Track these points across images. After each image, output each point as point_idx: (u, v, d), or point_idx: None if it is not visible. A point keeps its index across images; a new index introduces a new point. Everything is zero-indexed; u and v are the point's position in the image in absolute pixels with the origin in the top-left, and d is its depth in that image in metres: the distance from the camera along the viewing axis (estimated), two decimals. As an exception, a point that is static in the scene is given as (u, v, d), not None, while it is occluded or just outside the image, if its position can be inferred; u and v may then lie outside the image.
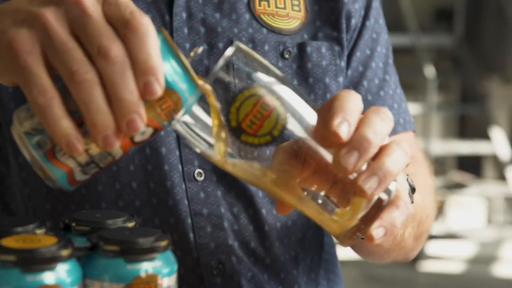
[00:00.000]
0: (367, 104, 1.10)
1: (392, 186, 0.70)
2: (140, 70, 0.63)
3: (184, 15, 1.02)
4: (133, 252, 0.67)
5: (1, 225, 0.72)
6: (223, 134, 0.68)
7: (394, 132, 1.11)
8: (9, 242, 0.65)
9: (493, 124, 5.58)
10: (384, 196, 0.69)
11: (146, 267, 0.67)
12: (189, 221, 1.01)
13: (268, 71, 0.69)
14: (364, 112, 0.72)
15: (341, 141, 0.66)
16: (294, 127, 0.68)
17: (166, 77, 0.65)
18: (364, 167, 0.69)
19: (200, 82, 0.68)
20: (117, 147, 0.65)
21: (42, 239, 0.66)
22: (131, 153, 0.70)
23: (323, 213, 0.71)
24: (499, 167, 5.56)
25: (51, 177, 0.67)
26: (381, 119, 0.68)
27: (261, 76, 0.69)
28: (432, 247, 4.84)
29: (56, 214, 1.01)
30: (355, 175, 0.68)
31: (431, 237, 4.70)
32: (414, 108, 5.11)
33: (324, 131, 0.68)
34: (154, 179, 1.00)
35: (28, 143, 0.66)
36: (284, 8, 1.06)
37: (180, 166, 1.00)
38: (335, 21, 1.08)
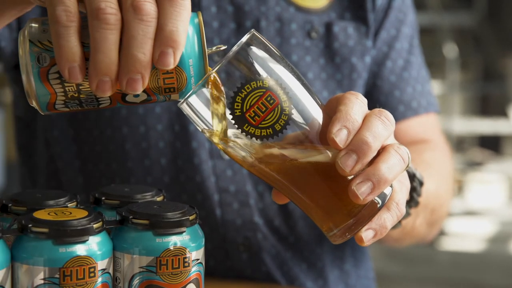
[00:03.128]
0: (390, 86, 1.11)
1: (387, 191, 0.70)
2: (163, 38, 0.63)
3: None
4: (162, 225, 0.68)
5: (34, 198, 0.73)
6: (224, 121, 0.69)
7: (416, 113, 1.11)
8: (42, 215, 0.67)
9: (514, 103, 5.54)
10: (378, 200, 0.70)
11: (174, 241, 0.68)
12: (216, 197, 1.02)
13: (280, 64, 0.69)
14: (373, 102, 0.70)
15: (338, 148, 0.67)
16: (296, 123, 0.69)
17: (183, 56, 0.66)
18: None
19: (210, 73, 0.68)
20: (106, 97, 0.65)
21: (73, 212, 0.67)
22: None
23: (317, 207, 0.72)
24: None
25: (33, 94, 0.66)
26: (382, 123, 0.69)
27: (271, 68, 0.69)
28: (451, 225, 4.84)
29: (88, 188, 1.02)
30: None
31: (451, 214, 4.69)
32: (435, 87, 5.08)
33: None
34: (182, 156, 1.02)
35: (29, 53, 0.65)
36: None
37: (207, 144, 1.01)
38: (361, 0, 1.08)
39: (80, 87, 0.66)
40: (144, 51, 0.62)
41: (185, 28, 0.64)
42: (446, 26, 5.41)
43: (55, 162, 1.05)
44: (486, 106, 6.19)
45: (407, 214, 0.88)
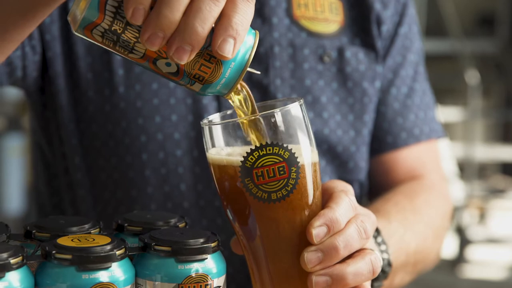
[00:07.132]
0: (394, 113, 1.12)
1: None
2: (228, 27, 0.65)
3: None
4: (184, 252, 0.69)
5: (57, 225, 0.74)
6: (230, 157, 0.72)
7: (417, 140, 1.13)
8: (65, 241, 0.67)
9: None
10: None
11: (196, 267, 0.69)
12: (236, 222, 1.02)
13: (307, 141, 0.72)
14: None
15: (312, 242, 0.71)
16: (290, 201, 0.71)
17: None
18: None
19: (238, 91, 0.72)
20: (143, 50, 0.66)
21: (96, 239, 0.68)
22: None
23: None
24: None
25: (82, 10, 0.66)
26: (358, 234, 0.73)
27: (298, 143, 0.71)
28: (473, 252, 4.80)
29: (107, 215, 1.03)
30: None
31: (473, 242, 4.65)
32: (457, 114, 5.07)
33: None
34: (202, 181, 1.02)
35: None
36: (323, 11, 1.08)
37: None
38: (368, 27, 1.10)
39: (128, 27, 0.66)
40: (204, 26, 0.64)
41: (247, 27, 0.66)
42: (468, 53, 5.40)
43: (74, 189, 1.06)
44: (508, 133, 6.16)
45: None
